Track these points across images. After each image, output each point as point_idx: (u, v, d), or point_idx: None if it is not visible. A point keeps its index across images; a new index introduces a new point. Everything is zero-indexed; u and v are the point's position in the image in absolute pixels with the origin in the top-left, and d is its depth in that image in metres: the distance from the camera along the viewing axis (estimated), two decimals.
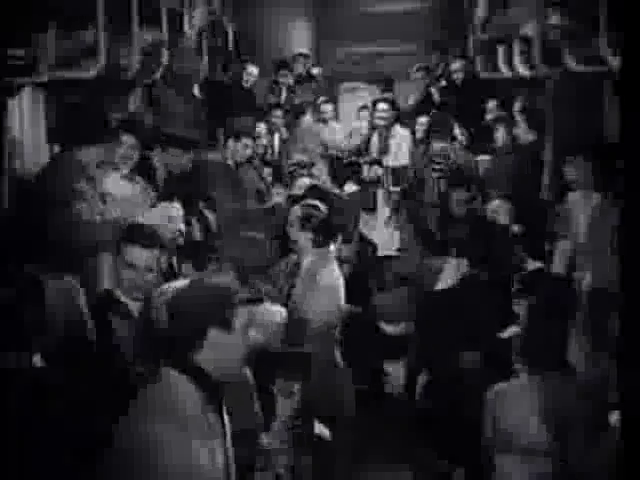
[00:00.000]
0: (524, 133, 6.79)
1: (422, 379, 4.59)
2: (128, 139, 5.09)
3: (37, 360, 2.87)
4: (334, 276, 4.75)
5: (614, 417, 2.60)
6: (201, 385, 2.42)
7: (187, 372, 2.42)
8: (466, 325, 4.16)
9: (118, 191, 4.95)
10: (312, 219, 4.70)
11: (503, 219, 5.30)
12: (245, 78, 8.52)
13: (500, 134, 6.84)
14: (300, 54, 9.43)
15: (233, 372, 2.52)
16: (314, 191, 5.83)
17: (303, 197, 5.48)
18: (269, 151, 7.95)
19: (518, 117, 6.74)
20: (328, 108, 8.57)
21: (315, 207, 4.76)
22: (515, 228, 5.20)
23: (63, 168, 4.46)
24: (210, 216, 5.72)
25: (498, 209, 5.42)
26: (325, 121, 8.51)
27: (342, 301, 4.77)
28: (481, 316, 4.16)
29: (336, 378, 4.63)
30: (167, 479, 2.32)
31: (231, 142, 6.62)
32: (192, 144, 5.72)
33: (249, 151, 6.70)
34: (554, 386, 3.15)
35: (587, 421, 2.91)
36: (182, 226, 4.91)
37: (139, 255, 3.50)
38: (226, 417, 2.54)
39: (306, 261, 4.70)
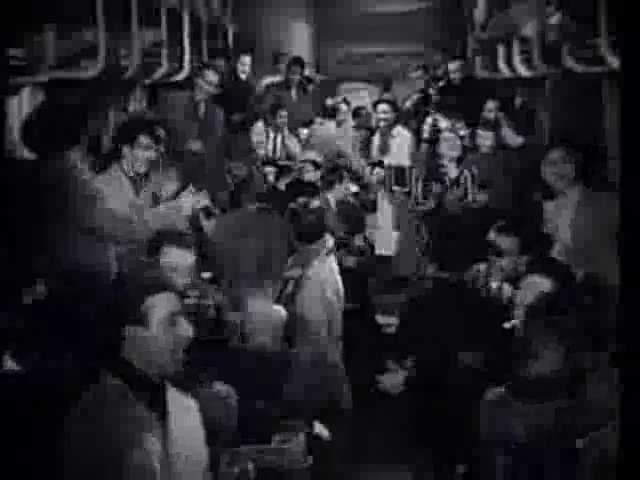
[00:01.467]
0: (512, 137, 6.81)
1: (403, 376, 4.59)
2: (144, 139, 4.95)
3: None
4: (325, 270, 4.76)
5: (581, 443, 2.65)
6: (130, 381, 2.42)
7: (115, 369, 2.43)
8: (445, 329, 4.16)
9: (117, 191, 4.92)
10: (296, 216, 4.77)
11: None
12: (240, 69, 8.43)
13: (484, 140, 6.82)
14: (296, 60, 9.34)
15: (165, 367, 2.48)
16: (294, 187, 5.88)
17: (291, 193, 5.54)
18: (270, 151, 7.93)
19: (504, 121, 6.76)
20: (344, 108, 8.54)
21: (300, 204, 4.81)
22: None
23: (67, 166, 4.41)
24: (206, 223, 5.70)
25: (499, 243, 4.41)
26: (340, 124, 8.49)
27: (334, 296, 4.77)
28: (458, 318, 4.15)
29: (329, 374, 4.65)
30: (98, 477, 2.33)
31: (232, 164, 6.65)
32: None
33: (244, 172, 6.65)
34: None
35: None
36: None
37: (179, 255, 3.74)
38: (174, 413, 2.51)
39: (302, 257, 4.73)
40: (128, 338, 2.42)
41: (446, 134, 6.83)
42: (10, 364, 3.00)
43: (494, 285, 4.31)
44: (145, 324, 2.43)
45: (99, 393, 2.43)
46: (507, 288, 4.27)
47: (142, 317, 2.42)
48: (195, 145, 6.51)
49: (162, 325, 2.44)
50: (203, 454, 2.60)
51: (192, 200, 4.45)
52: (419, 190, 6.75)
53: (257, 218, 5.20)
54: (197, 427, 2.61)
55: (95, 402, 2.42)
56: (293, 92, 8.87)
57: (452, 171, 6.70)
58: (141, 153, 4.91)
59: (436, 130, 7.39)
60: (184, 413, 2.56)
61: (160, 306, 2.44)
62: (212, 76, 6.84)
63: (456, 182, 6.65)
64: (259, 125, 7.78)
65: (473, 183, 6.61)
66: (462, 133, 7.01)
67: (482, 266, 4.59)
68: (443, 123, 7.56)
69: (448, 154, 6.69)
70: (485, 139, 6.82)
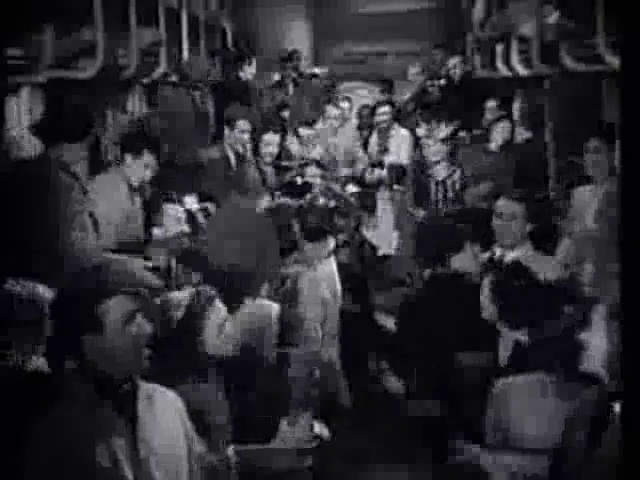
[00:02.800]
0: (519, 132, 6.82)
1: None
2: (148, 157, 4.97)
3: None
4: (325, 270, 4.78)
5: (617, 408, 2.58)
6: (97, 385, 2.41)
7: (82, 373, 2.41)
8: (445, 326, 4.17)
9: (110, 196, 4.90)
10: (304, 214, 4.80)
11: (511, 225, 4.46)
12: (246, 72, 8.43)
13: (499, 135, 6.83)
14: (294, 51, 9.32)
15: (130, 366, 2.45)
16: (289, 187, 5.90)
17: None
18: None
19: (515, 117, 6.76)
20: (346, 106, 8.54)
21: (307, 202, 4.85)
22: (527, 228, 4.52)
23: (46, 165, 4.38)
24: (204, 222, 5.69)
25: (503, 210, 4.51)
26: (343, 123, 8.49)
27: (331, 296, 4.77)
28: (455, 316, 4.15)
29: (326, 372, 4.66)
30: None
31: (227, 130, 6.46)
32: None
33: (246, 136, 6.50)
34: (559, 383, 3.13)
35: (589, 419, 2.88)
36: (185, 227, 4.90)
37: None
38: (146, 412, 2.49)
39: (306, 256, 4.75)
40: (87, 344, 2.40)
41: (423, 140, 6.88)
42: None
43: None
44: (101, 329, 2.40)
45: (66, 396, 2.44)
46: None
47: (97, 322, 2.41)
48: (207, 153, 6.46)
49: (117, 327, 2.42)
50: (182, 450, 2.58)
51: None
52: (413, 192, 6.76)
53: (250, 216, 5.20)
54: (176, 423, 2.58)
55: (62, 405, 2.42)
56: (290, 90, 8.85)
57: (440, 172, 6.70)
58: (141, 169, 4.95)
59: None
60: (160, 410, 2.54)
61: (113, 310, 2.42)
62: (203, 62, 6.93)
63: (443, 182, 6.66)
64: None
65: (463, 182, 6.62)
66: (442, 135, 7.01)
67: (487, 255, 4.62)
68: (420, 131, 7.55)
69: (430, 158, 6.72)
70: (503, 132, 6.81)
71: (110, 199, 4.79)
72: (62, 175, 4.22)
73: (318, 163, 7.03)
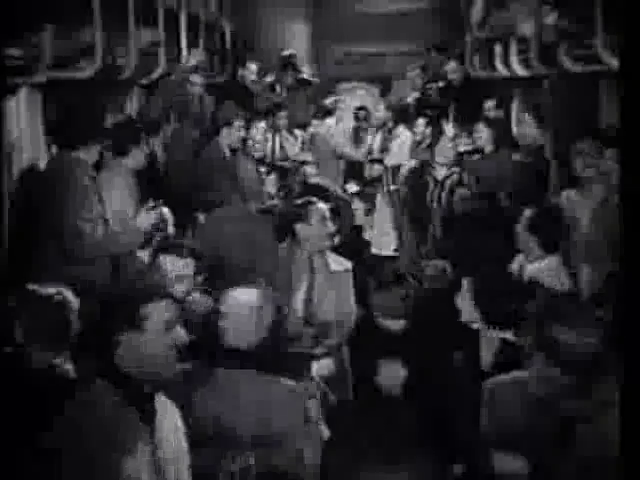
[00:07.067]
0: (532, 132, 6.81)
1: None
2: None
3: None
4: (332, 269, 4.81)
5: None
6: (122, 389, 2.40)
7: (108, 375, 2.41)
8: (458, 325, 4.17)
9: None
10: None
11: None
12: (247, 76, 8.45)
13: (481, 134, 6.82)
14: (290, 55, 9.33)
15: (158, 372, 2.46)
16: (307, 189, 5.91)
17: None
18: (268, 151, 7.89)
19: (526, 117, 6.76)
20: (342, 106, 8.57)
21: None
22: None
23: (68, 166, 4.44)
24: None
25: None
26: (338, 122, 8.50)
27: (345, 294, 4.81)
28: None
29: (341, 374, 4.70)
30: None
31: (225, 130, 6.68)
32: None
33: (242, 133, 6.77)
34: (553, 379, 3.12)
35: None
36: (171, 229, 4.87)
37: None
38: (160, 418, 2.50)
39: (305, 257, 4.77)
40: (123, 343, 2.41)
41: (445, 139, 6.88)
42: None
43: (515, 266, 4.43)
44: (141, 330, 2.41)
45: (93, 396, 2.42)
46: (529, 267, 4.34)
47: (139, 323, 2.41)
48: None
49: (158, 331, 2.43)
50: (186, 453, 2.60)
51: (152, 217, 4.49)
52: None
53: (244, 217, 5.21)
54: (179, 427, 2.60)
55: (88, 404, 2.40)
56: (283, 92, 8.87)
57: (440, 172, 6.72)
58: (144, 154, 5.19)
59: (434, 133, 7.39)
60: (168, 415, 2.55)
61: (158, 313, 2.43)
62: (197, 78, 7.13)
63: (442, 183, 6.68)
64: (261, 125, 7.69)
65: (460, 184, 6.64)
66: (458, 140, 7.03)
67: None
68: (445, 128, 7.56)
69: (440, 159, 6.73)
70: (480, 133, 6.82)
71: (120, 191, 4.92)
72: (82, 175, 4.32)
73: (314, 163, 7.05)
